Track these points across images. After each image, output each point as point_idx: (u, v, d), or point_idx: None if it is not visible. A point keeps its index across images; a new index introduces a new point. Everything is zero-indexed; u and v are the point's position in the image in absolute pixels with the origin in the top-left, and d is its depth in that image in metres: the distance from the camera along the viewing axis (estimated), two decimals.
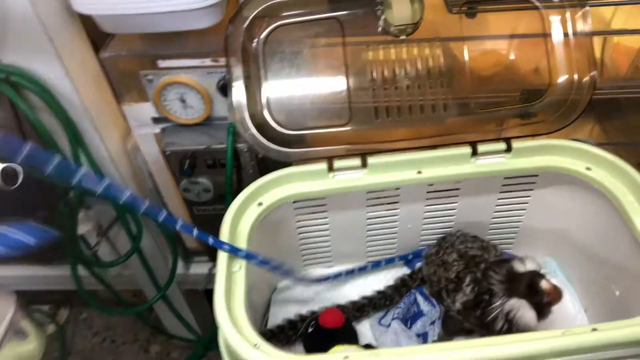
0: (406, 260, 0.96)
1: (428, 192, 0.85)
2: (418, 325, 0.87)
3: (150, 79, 0.85)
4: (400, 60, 0.79)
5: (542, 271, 0.73)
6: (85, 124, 0.88)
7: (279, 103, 0.79)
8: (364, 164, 0.79)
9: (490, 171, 0.80)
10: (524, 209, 0.89)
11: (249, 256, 0.70)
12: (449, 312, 0.83)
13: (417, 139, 0.79)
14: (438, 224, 0.91)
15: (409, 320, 0.89)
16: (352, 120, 0.79)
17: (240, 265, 0.70)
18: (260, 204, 0.78)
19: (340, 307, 0.89)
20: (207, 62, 0.84)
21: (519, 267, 0.73)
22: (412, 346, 0.83)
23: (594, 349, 0.58)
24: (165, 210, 0.67)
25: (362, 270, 0.94)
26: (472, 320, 0.77)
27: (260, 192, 0.79)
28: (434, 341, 0.85)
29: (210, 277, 1.19)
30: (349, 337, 0.86)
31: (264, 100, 0.78)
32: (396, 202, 0.86)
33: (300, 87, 0.80)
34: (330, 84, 0.80)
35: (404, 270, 0.95)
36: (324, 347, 0.75)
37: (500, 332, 0.72)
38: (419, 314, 0.89)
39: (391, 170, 0.80)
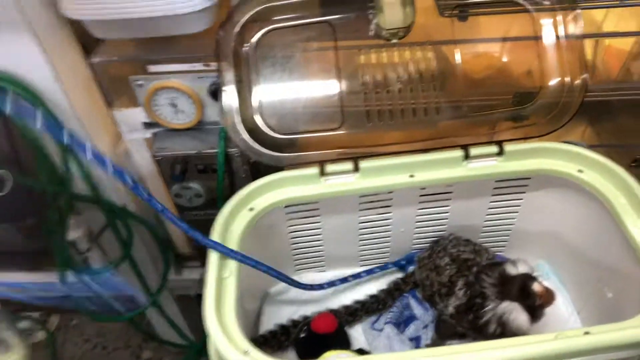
0: (400, 266, 0.96)
1: (420, 195, 0.85)
2: (411, 329, 0.87)
3: (141, 84, 0.84)
4: (392, 63, 0.79)
5: (535, 274, 0.73)
6: (75, 129, 0.87)
7: (271, 107, 0.78)
8: (356, 168, 0.79)
9: (483, 174, 0.80)
10: (516, 212, 0.90)
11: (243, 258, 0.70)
12: (442, 315, 0.83)
13: (409, 142, 0.79)
14: (431, 228, 0.91)
15: (401, 324, 0.88)
16: (344, 124, 0.79)
17: (231, 271, 0.69)
18: (251, 209, 0.78)
19: (333, 312, 0.89)
20: (199, 66, 0.83)
21: (512, 270, 0.72)
22: (404, 352, 0.83)
23: (587, 353, 0.59)
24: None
25: (355, 277, 0.94)
26: (465, 324, 0.77)
27: (251, 197, 0.78)
28: (426, 345, 0.85)
29: (202, 282, 1.18)
30: (342, 342, 0.86)
31: (255, 105, 0.77)
32: (389, 206, 0.86)
33: (292, 91, 0.80)
34: (322, 88, 0.80)
35: (397, 274, 0.95)
36: (316, 353, 0.75)
37: (493, 335, 0.72)
38: (412, 318, 0.89)
39: (383, 174, 0.80)
